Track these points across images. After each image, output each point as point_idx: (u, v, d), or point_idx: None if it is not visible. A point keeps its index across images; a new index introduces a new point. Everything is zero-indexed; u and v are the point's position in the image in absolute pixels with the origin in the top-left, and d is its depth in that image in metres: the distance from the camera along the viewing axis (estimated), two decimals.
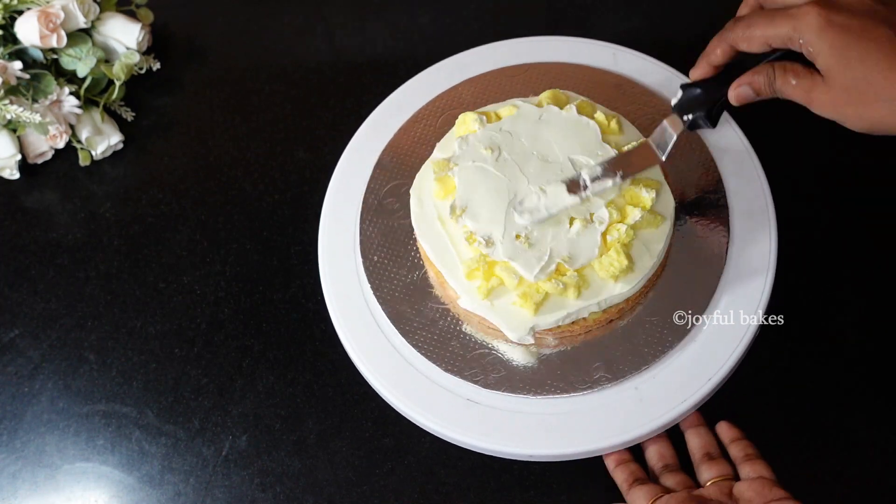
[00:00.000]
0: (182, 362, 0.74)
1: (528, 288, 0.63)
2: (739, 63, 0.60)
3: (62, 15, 0.81)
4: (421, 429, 0.67)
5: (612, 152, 0.66)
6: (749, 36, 0.57)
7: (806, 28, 0.53)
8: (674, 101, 0.63)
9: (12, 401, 0.73)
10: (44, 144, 0.83)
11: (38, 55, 0.83)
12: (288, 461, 0.69)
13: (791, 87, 0.56)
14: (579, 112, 0.68)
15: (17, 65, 0.79)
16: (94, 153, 0.83)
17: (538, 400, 0.64)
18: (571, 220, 0.64)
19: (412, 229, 0.68)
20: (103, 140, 0.83)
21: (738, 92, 0.59)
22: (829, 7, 0.53)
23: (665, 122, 0.63)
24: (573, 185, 0.63)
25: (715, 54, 0.60)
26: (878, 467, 0.66)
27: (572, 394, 0.64)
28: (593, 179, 0.63)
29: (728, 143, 0.73)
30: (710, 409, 0.66)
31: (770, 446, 0.65)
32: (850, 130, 0.80)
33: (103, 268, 0.79)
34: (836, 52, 0.53)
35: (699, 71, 0.62)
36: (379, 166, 0.75)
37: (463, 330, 0.67)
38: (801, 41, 0.54)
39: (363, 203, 0.73)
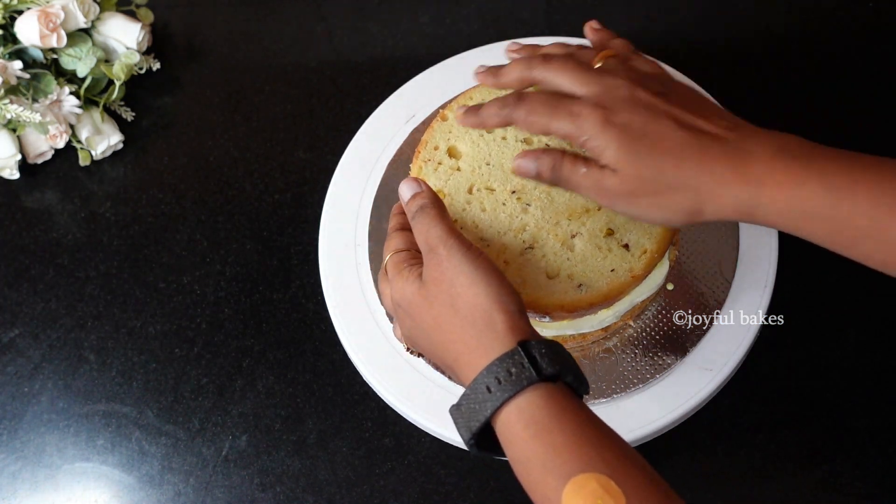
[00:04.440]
0: (182, 362, 0.74)
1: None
2: None
3: (62, 15, 0.81)
4: (421, 429, 0.67)
5: None
6: (530, 122, 0.55)
7: (588, 128, 0.52)
8: None
9: (12, 401, 0.73)
10: (44, 144, 0.83)
11: (38, 55, 0.83)
12: (288, 461, 0.69)
13: (580, 174, 0.53)
14: None
15: (17, 65, 0.79)
16: (94, 153, 0.83)
17: None
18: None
19: None
20: (103, 140, 0.83)
21: (519, 163, 0.56)
22: (606, 107, 0.52)
23: None
24: None
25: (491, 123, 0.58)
26: (878, 467, 0.66)
27: None
28: None
29: None
30: (712, 409, 0.66)
31: (770, 446, 0.65)
32: (850, 132, 0.81)
33: (103, 268, 0.79)
34: (623, 147, 0.51)
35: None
36: (379, 166, 0.75)
37: None
38: (583, 139, 0.52)
39: (363, 203, 0.73)
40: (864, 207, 0.48)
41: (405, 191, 0.57)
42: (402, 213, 0.58)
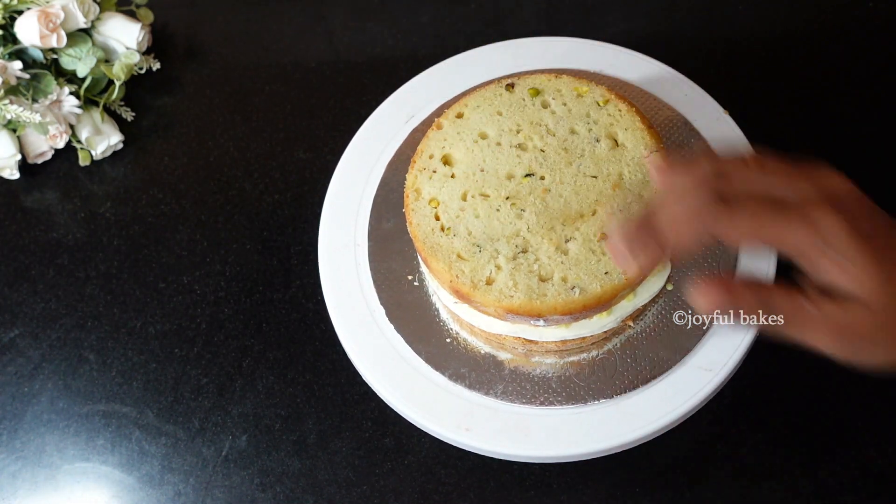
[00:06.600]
0: (182, 362, 0.74)
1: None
2: None
3: (62, 15, 0.81)
4: (421, 429, 0.67)
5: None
6: (752, 232, 0.41)
7: (830, 235, 0.40)
8: None
9: (12, 401, 0.73)
10: (44, 144, 0.83)
11: (38, 55, 0.83)
12: (288, 461, 0.69)
13: (819, 319, 0.42)
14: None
15: (17, 65, 0.79)
16: (94, 153, 0.83)
17: (539, 407, 0.64)
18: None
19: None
20: (103, 140, 0.83)
21: (712, 308, 0.43)
22: (846, 211, 0.40)
23: None
24: None
25: (683, 244, 0.43)
26: (878, 467, 0.66)
27: (574, 402, 0.64)
28: None
29: (729, 144, 0.73)
30: (711, 409, 0.66)
31: (770, 446, 0.65)
32: (851, 133, 0.81)
33: (103, 268, 0.79)
34: (875, 267, 0.39)
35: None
36: (379, 166, 0.75)
37: (463, 333, 0.67)
38: (825, 251, 0.40)
39: (363, 203, 0.73)
40: None
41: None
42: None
